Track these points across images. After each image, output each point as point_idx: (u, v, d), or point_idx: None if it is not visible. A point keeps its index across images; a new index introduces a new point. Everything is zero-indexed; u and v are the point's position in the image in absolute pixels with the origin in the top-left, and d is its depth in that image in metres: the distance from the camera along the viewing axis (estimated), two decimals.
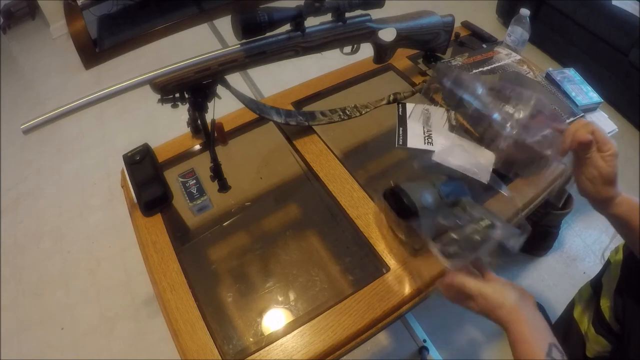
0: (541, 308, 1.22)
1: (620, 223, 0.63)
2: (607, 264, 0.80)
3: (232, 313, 0.71)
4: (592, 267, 1.37)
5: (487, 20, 2.40)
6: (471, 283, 0.59)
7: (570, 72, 1.02)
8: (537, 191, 0.86)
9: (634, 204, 0.61)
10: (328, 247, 0.84)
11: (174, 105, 0.76)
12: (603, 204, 0.63)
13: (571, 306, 0.89)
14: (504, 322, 0.55)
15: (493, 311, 0.57)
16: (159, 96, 0.73)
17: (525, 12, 1.09)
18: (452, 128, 0.93)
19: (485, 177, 0.80)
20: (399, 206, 0.73)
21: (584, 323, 0.82)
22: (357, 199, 0.84)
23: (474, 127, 0.97)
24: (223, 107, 0.85)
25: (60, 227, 1.65)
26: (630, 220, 0.61)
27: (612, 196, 0.61)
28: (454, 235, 0.68)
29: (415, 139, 0.90)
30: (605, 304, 0.76)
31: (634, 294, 0.70)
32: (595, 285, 0.82)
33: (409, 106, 0.99)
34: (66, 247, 1.58)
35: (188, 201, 0.81)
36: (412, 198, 0.71)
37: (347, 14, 0.83)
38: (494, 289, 0.58)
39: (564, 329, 0.88)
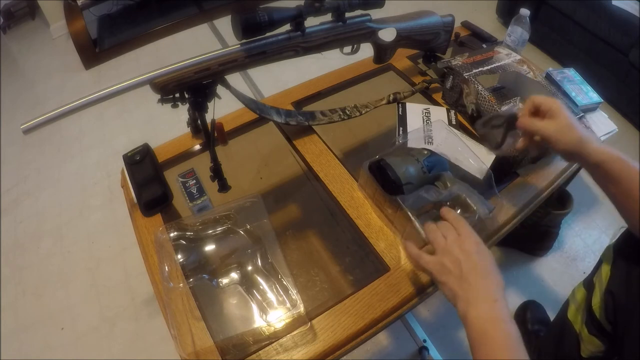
0: (540, 307, 1.22)
1: (605, 178, 0.61)
2: (599, 263, 0.80)
3: (232, 313, 0.71)
4: (592, 267, 1.35)
5: (487, 20, 2.40)
6: (423, 259, 0.60)
7: (570, 72, 1.02)
8: (536, 191, 0.86)
9: (615, 157, 0.59)
10: (328, 247, 0.84)
11: (174, 105, 0.76)
12: (575, 154, 0.63)
13: (565, 306, 0.89)
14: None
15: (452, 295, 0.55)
16: (159, 96, 0.73)
17: (525, 12, 1.09)
18: (452, 128, 0.93)
19: (480, 172, 0.80)
20: (384, 180, 0.75)
21: (578, 323, 0.82)
22: (357, 199, 0.84)
23: (474, 127, 0.97)
24: (223, 107, 0.85)
25: (60, 227, 1.64)
26: (620, 180, 0.59)
27: (579, 140, 0.61)
28: (435, 212, 0.71)
29: (415, 139, 0.90)
30: (596, 304, 0.76)
31: (624, 293, 0.69)
32: (588, 285, 0.82)
33: (409, 106, 0.99)
34: (66, 247, 1.58)
35: (188, 201, 0.81)
36: (397, 173, 0.73)
37: (347, 14, 0.83)
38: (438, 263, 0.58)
39: (559, 329, 0.88)
